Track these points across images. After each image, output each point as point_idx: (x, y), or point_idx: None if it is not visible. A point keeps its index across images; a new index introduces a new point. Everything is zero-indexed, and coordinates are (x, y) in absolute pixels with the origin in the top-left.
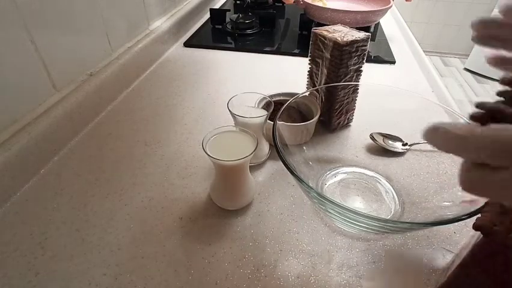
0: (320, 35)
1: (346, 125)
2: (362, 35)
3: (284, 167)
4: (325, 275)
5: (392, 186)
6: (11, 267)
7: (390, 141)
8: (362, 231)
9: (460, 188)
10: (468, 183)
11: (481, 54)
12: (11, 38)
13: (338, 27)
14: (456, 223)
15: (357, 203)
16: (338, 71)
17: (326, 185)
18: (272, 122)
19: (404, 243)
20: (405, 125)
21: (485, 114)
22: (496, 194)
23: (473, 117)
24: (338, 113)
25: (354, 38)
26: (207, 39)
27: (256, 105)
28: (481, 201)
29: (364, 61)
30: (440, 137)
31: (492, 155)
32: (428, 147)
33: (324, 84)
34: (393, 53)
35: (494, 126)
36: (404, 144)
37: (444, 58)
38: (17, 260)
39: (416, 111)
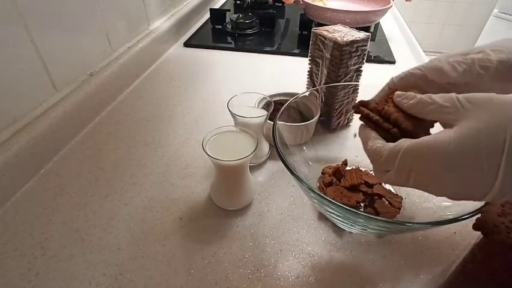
0: (320, 35)
1: (346, 125)
2: (362, 35)
3: (284, 167)
4: (325, 275)
5: (391, 187)
6: (11, 267)
7: None
8: (362, 232)
9: None
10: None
11: None
12: (11, 38)
13: (338, 27)
14: (456, 223)
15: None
16: (338, 71)
17: None
18: (272, 122)
19: (404, 243)
20: None
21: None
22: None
23: (353, 107)
24: (338, 113)
25: (354, 38)
26: (207, 39)
27: (256, 105)
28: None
29: (364, 61)
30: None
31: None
32: None
33: (324, 84)
34: (393, 53)
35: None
36: None
37: None
38: (17, 260)
39: None
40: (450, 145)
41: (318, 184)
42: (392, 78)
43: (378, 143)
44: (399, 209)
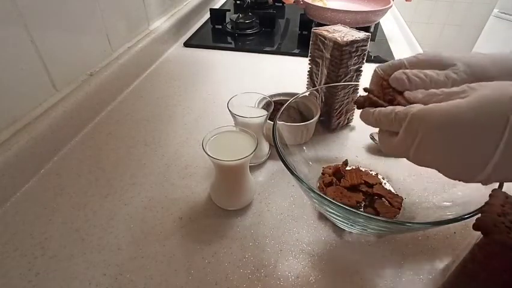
0: (320, 35)
1: (346, 125)
2: (362, 35)
3: (284, 167)
4: (325, 275)
5: (392, 186)
6: (11, 267)
7: None
8: (362, 232)
9: (460, 188)
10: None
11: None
12: (11, 38)
13: (338, 27)
14: (456, 223)
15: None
16: (338, 71)
17: None
18: (272, 122)
19: (404, 244)
20: None
21: (363, 99)
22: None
23: (355, 102)
24: (338, 113)
25: (354, 38)
26: (207, 39)
27: (256, 105)
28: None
29: (364, 61)
30: (363, 116)
31: (381, 124)
32: None
33: (324, 84)
34: (393, 53)
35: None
36: None
37: None
38: (17, 260)
39: None
40: (459, 110)
41: (318, 184)
42: (376, 69)
43: (388, 108)
44: (399, 209)
